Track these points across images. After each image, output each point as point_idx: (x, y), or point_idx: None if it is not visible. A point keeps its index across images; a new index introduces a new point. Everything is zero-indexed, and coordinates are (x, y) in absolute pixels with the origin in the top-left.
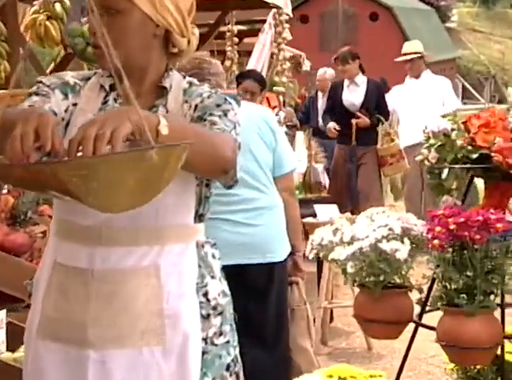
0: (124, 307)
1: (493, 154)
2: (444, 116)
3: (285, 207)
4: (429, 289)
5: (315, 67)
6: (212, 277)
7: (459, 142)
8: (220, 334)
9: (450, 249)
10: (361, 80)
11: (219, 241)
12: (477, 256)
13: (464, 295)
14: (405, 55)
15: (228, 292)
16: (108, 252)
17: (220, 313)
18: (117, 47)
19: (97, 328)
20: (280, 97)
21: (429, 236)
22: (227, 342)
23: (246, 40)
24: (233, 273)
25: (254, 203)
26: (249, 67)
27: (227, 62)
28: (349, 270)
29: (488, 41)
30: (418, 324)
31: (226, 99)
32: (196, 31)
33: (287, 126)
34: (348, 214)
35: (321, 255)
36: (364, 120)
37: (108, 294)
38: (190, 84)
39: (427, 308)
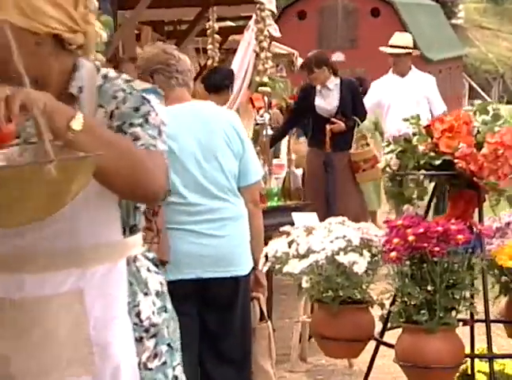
0: (46, 337)
1: (456, 161)
2: (405, 120)
3: (249, 218)
4: (392, 304)
5: None
6: (146, 294)
7: (421, 148)
8: (155, 356)
9: (408, 262)
10: (334, 83)
11: (181, 253)
12: (437, 270)
13: (425, 311)
14: (392, 47)
15: (169, 307)
16: (23, 279)
17: (155, 335)
18: (4, 65)
19: (20, 361)
20: (266, 98)
21: (387, 248)
22: (164, 363)
23: (236, 37)
24: (196, 287)
25: (219, 214)
26: (233, 66)
27: (209, 61)
28: (305, 284)
29: (496, 38)
30: (380, 342)
31: (143, 98)
32: (93, 19)
33: (272, 128)
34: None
35: (275, 268)
36: (340, 126)
37: (28, 324)
38: (105, 78)
39: (390, 325)
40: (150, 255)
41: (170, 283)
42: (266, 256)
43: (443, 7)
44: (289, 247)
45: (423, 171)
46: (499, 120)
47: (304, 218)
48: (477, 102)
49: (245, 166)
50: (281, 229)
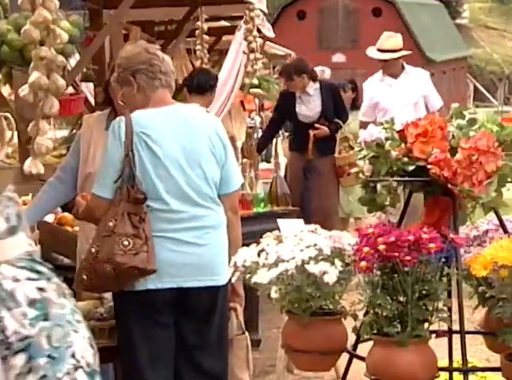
0: None
1: (429, 167)
2: (380, 124)
3: (229, 227)
4: (365, 316)
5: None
6: (10, 309)
7: (394, 153)
8: (29, 372)
9: (379, 272)
10: (313, 88)
11: (162, 261)
12: (408, 280)
13: (396, 323)
14: (380, 51)
15: (56, 312)
16: None
17: (24, 349)
18: None
19: None
20: (257, 100)
21: (357, 257)
22: (43, 377)
23: (231, 38)
24: (175, 297)
25: (201, 222)
26: (225, 68)
27: (198, 63)
28: (274, 295)
29: (502, 39)
30: (352, 355)
31: None
32: None
33: (263, 131)
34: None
35: (245, 278)
36: (324, 131)
37: None
38: None
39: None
40: (21, 263)
41: (149, 292)
42: (236, 266)
43: (447, 7)
44: (258, 256)
45: (396, 177)
46: (475, 125)
47: (291, 225)
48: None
49: (226, 173)
50: (265, 235)
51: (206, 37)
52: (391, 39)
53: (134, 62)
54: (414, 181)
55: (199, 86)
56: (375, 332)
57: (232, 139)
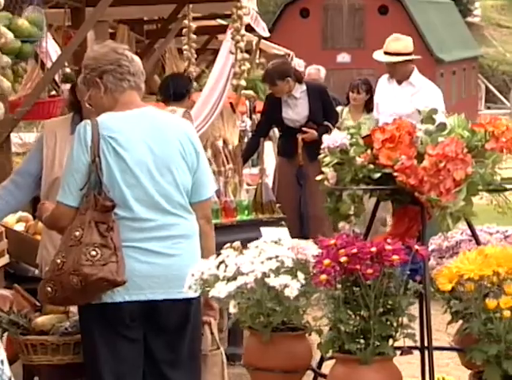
0: None
1: (396, 174)
2: (344, 129)
3: (201, 237)
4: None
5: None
6: None
7: (359, 160)
8: None
9: (341, 286)
10: (300, 91)
11: (130, 272)
12: (371, 294)
13: (360, 340)
14: (388, 54)
15: None
16: None
17: None
18: None
19: None
20: (248, 103)
21: (317, 270)
22: None
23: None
24: (143, 310)
25: (171, 231)
26: (215, 68)
27: (185, 63)
28: (232, 310)
29: None
30: (317, 374)
31: None
32: None
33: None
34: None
35: (203, 292)
36: (312, 134)
37: None
38: None
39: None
40: None
41: (116, 305)
42: (193, 279)
43: (457, 4)
44: (217, 268)
45: (363, 185)
46: (445, 130)
47: (274, 234)
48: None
49: (198, 180)
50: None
51: (194, 36)
52: (398, 42)
53: (101, 63)
54: (379, 189)
55: (176, 94)
56: (337, 349)
57: (225, 143)
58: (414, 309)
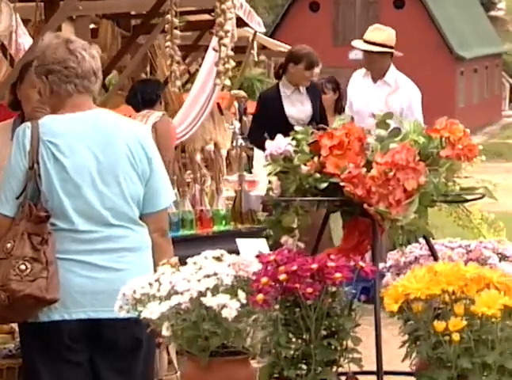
0: None
1: (342, 184)
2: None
3: (155, 251)
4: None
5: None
6: None
7: (305, 168)
8: None
9: (279, 306)
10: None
11: (70, 288)
12: (312, 316)
13: (301, 365)
14: (366, 42)
15: None
16: None
17: None
18: None
19: None
20: (236, 104)
21: (254, 289)
22: None
23: None
24: (86, 330)
25: (116, 243)
26: (204, 67)
27: (168, 61)
28: (165, 332)
29: None
30: None
31: None
32: None
33: (243, 138)
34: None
35: (136, 313)
36: None
37: None
38: None
39: None
40: None
41: (55, 325)
42: (124, 298)
43: None
44: (150, 287)
45: (309, 195)
46: (398, 136)
47: (252, 245)
48: None
49: (152, 190)
50: None
51: (177, 32)
52: (381, 32)
53: (48, 60)
54: (325, 200)
55: (145, 100)
56: (276, 375)
57: (216, 146)
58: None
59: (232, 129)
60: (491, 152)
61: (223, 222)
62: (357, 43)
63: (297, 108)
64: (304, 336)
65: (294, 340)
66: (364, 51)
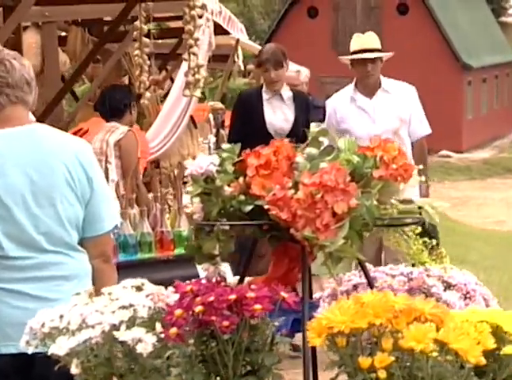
0: None
1: (267, 207)
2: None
3: (97, 278)
4: None
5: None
6: None
7: (228, 190)
8: None
9: (193, 341)
10: (287, 94)
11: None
12: (229, 351)
13: None
14: (362, 51)
15: None
16: None
17: None
18: None
19: None
20: (211, 116)
21: (168, 322)
22: None
23: None
24: (17, 365)
25: (50, 271)
26: (179, 77)
27: (137, 71)
28: (74, 370)
29: None
30: None
31: None
32: None
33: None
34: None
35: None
36: None
37: None
38: None
39: None
40: None
41: None
42: (32, 332)
43: (490, 2)
44: (60, 320)
45: (235, 219)
46: (331, 154)
47: (215, 270)
48: None
49: (93, 212)
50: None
51: (147, 40)
52: (369, 37)
53: None
54: (248, 225)
55: (112, 109)
56: None
57: (179, 162)
58: None
59: (207, 143)
60: (501, 167)
61: (186, 245)
62: (344, 58)
63: (277, 115)
64: (222, 374)
65: (211, 377)
66: (365, 62)
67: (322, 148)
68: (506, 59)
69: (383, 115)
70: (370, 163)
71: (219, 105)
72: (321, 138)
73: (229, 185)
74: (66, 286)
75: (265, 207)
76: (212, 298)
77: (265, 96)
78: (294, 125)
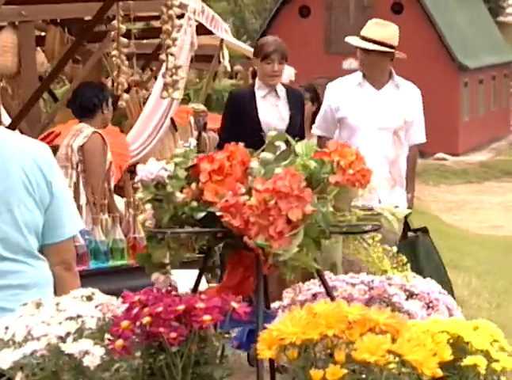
0: None
1: (219, 214)
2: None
3: (58, 287)
4: None
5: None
6: None
7: (180, 196)
8: None
9: (141, 353)
10: (280, 89)
11: None
12: (178, 364)
13: None
14: (366, 40)
15: None
16: None
17: None
18: None
19: None
20: (192, 118)
21: (113, 333)
22: None
23: None
24: None
25: (9, 279)
26: (160, 78)
27: (115, 72)
28: None
29: None
30: None
31: None
32: None
33: None
34: None
35: None
36: None
37: None
38: None
39: None
40: None
41: None
42: None
43: (487, 1)
44: (5, 331)
45: (188, 227)
46: (287, 159)
47: (188, 278)
48: None
49: (53, 217)
50: None
51: (124, 40)
52: (379, 28)
53: None
54: (200, 233)
55: (83, 108)
56: None
57: None
58: None
59: (187, 147)
60: (498, 170)
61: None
62: (351, 39)
63: (273, 113)
64: None
65: None
66: (361, 50)
67: (278, 153)
68: (504, 60)
69: (388, 109)
70: (327, 168)
71: (202, 107)
72: (277, 143)
73: (182, 191)
74: (25, 296)
75: (218, 213)
76: (160, 309)
77: (259, 93)
78: (289, 125)
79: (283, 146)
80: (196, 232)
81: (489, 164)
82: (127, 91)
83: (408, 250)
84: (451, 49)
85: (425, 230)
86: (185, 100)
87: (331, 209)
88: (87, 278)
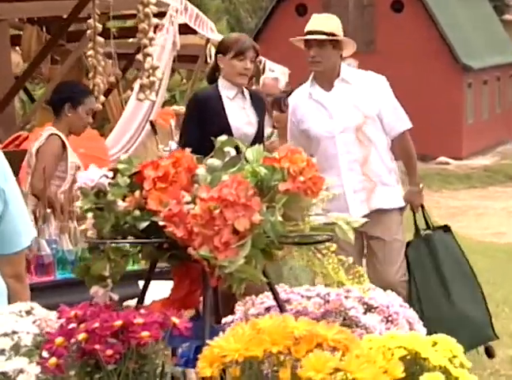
0: None
1: (162, 223)
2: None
3: (12, 298)
4: None
5: None
6: None
7: (122, 205)
8: None
9: (76, 372)
10: (245, 90)
11: None
12: None
13: None
14: (312, 33)
15: None
16: None
17: None
18: None
19: None
20: (172, 121)
21: (47, 351)
22: None
23: None
24: None
25: None
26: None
27: (90, 73)
28: None
29: None
30: None
31: None
32: None
33: None
34: None
35: None
36: None
37: None
38: None
39: None
40: None
41: None
42: None
43: None
44: None
45: (131, 237)
46: (235, 166)
47: (160, 288)
48: None
49: (7, 227)
50: (125, 304)
51: (101, 39)
52: (324, 20)
53: None
54: (141, 243)
55: (52, 106)
56: None
57: None
58: None
59: (167, 151)
60: (503, 175)
61: (131, 261)
62: (296, 39)
63: (241, 117)
64: None
65: None
66: (310, 45)
67: (226, 159)
68: (509, 60)
69: (342, 109)
70: (279, 175)
71: (184, 110)
72: (226, 149)
73: (124, 200)
74: None
75: (161, 223)
76: (96, 325)
77: (227, 93)
78: (258, 130)
79: (233, 152)
80: (139, 243)
81: (493, 168)
82: (108, 93)
83: (423, 248)
84: (454, 49)
85: (446, 229)
86: (171, 101)
87: (280, 218)
88: (53, 289)
